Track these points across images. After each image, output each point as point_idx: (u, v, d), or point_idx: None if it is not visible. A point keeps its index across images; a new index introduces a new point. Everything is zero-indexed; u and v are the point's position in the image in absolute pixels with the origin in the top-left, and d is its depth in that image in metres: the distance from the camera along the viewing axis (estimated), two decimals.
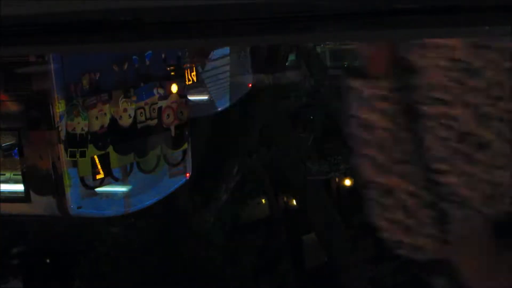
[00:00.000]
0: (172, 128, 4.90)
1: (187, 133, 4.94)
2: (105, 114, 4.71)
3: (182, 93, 5.03)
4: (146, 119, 4.84)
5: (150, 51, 4.80)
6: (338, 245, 4.22)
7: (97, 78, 4.79)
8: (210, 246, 4.23)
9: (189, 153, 4.89)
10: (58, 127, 4.66)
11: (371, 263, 3.80)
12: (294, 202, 4.77)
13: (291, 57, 5.97)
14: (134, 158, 4.77)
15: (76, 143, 4.65)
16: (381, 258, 3.75)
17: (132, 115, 4.79)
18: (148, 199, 4.72)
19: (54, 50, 4.01)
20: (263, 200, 4.68)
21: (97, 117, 4.69)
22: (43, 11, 2.43)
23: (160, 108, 4.92)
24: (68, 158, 4.63)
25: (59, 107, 4.74)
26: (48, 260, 4.27)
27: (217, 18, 2.36)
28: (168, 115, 4.97)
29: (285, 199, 4.73)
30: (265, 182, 4.79)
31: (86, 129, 4.66)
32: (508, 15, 2.15)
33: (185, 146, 4.92)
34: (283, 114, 5.38)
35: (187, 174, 4.92)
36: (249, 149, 4.87)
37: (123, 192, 4.75)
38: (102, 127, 4.70)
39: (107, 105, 4.74)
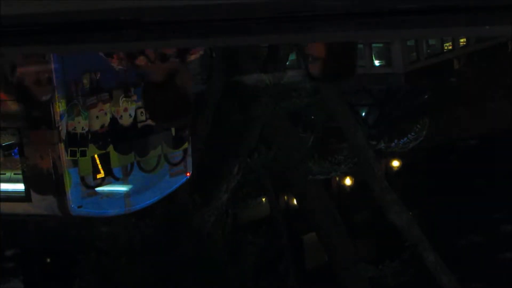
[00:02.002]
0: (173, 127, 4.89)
1: (187, 132, 4.93)
2: (106, 113, 4.71)
3: None
4: (147, 118, 4.83)
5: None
6: (338, 245, 4.22)
7: (97, 77, 4.78)
8: (210, 245, 4.23)
9: (190, 153, 4.88)
10: (58, 126, 4.65)
11: (371, 263, 3.80)
12: (294, 202, 4.76)
13: (291, 56, 5.98)
14: (135, 157, 4.76)
15: (77, 142, 4.64)
16: (382, 258, 3.75)
17: (133, 114, 4.79)
18: (149, 199, 4.71)
19: (54, 50, 4.02)
20: (263, 200, 4.68)
21: (97, 117, 4.69)
22: (43, 11, 2.43)
23: None
24: (69, 158, 4.62)
25: (60, 107, 4.73)
26: (48, 260, 4.27)
27: (217, 18, 2.36)
28: None
29: (285, 199, 4.73)
30: (265, 182, 4.79)
31: (86, 128, 4.66)
32: (508, 15, 2.16)
33: (186, 145, 4.91)
34: (283, 113, 5.38)
35: (188, 173, 4.91)
36: (249, 149, 4.88)
37: (123, 192, 4.75)
38: (102, 126, 4.70)
39: (108, 105, 4.74)
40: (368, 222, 4.31)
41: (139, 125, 4.92)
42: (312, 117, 5.49)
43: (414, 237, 3.95)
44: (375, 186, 4.52)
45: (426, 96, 5.56)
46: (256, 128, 5.30)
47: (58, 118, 4.80)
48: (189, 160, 4.96)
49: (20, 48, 3.01)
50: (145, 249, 4.23)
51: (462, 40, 5.63)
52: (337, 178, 4.65)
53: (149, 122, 4.97)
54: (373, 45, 5.51)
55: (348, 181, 4.74)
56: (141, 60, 4.20)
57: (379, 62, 5.89)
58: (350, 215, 4.41)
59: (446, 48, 5.79)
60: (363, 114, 5.61)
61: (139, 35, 2.79)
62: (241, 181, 4.66)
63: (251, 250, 4.03)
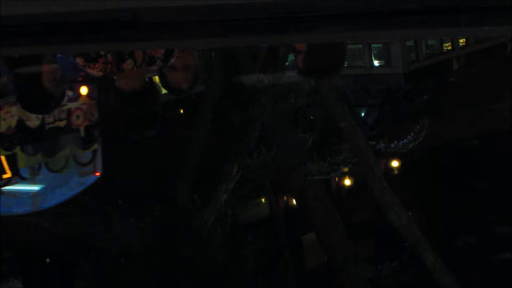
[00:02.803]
0: (82, 129, 4.96)
1: (97, 134, 5.01)
2: (12, 115, 4.77)
3: (92, 95, 5.10)
4: (55, 120, 4.91)
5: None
6: (338, 245, 4.23)
7: (4, 80, 4.86)
8: (209, 246, 4.24)
9: (99, 153, 4.93)
10: None
11: (371, 263, 3.81)
12: (294, 202, 4.77)
13: (291, 57, 5.98)
14: (42, 158, 4.82)
15: None
16: (382, 258, 3.76)
17: (40, 116, 4.86)
18: (58, 198, 4.75)
19: (54, 50, 4.03)
20: (263, 200, 4.69)
21: (4, 119, 4.75)
22: (43, 11, 2.43)
23: (69, 110, 4.98)
24: None
25: None
26: None
27: (217, 18, 2.36)
28: (77, 116, 5.04)
29: (284, 199, 4.73)
30: (265, 182, 4.80)
31: None
32: (508, 15, 2.16)
33: (95, 146, 4.98)
34: (282, 114, 5.39)
35: (97, 173, 4.96)
36: (249, 149, 4.88)
37: (31, 191, 4.80)
38: (9, 128, 4.77)
39: (14, 107, 4.80)
40: (367, 222, 4.31)
41: (47, 127, 4.99)
42: (312, 117, 5.50)
43: (414, 237, 3.96)
44: (374, 187, 4.53)
45: (425, 97, 5.57)
46: (255, 128, 5.31)
47: None
48: (99, 160, 5.01)
49: (20, 48, 3.01)
50: (144, 249, 4.24)
51: (461, 40, 5.63)
52: (337, 179, 4.66)
53: (57, 124, 5.02)
54: (373, 45, 5.52)
55: (347, 182, 4.74)
56: (128, 64, 4.23)
57: (378, 63, 5.90)
58: (350, 215, 4.42)
59: (445, 48, 5.80)
60: (363, 114, 5.62)
61: (139, 35, 2.80)
62: (240, 181, 4.67)
63: (250, 250, 4.03)
